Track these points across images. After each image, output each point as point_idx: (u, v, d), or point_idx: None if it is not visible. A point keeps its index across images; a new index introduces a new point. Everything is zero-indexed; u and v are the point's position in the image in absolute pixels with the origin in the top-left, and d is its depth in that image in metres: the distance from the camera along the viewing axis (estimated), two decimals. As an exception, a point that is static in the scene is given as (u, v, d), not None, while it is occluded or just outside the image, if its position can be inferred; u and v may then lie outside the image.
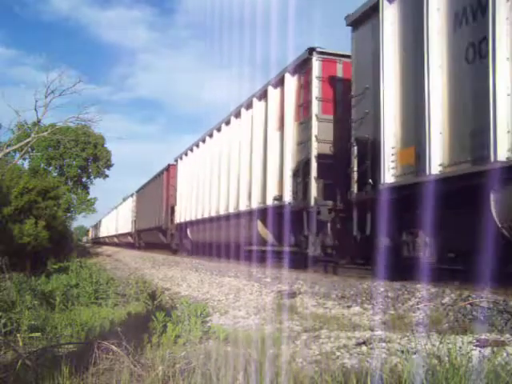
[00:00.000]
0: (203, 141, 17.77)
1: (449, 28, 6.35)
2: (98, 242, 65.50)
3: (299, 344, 3.49)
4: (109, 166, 44.73)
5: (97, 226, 73.44)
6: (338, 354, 3.18)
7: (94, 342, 3.06)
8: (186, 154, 20.65)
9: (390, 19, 7.45)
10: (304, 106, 10.47)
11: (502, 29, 5.51)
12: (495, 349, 3.08)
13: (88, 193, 46.73)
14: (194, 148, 19.34)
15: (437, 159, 6.32)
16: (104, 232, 60.51)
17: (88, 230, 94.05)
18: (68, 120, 23.82)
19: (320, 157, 9.81)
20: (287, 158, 10.86)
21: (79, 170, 43.73)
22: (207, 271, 11.15)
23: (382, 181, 7.30)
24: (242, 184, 13.47)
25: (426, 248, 6.50)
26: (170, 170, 24.01)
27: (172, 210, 22.80)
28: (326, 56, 10.23)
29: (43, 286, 6.72)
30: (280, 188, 11.15)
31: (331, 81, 10.13)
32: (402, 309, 5.09)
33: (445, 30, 6.41)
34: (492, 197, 5.51)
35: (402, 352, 2.99)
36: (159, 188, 25.68)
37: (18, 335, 3.77)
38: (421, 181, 6.43)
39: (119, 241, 44.89)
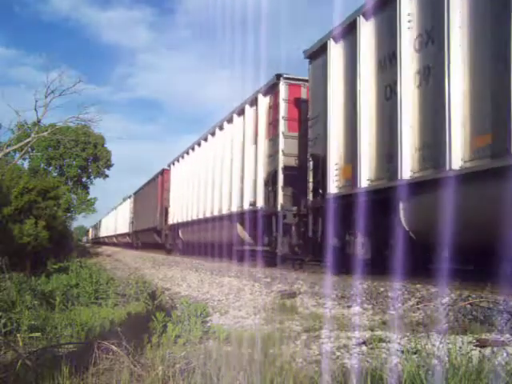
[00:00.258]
0: (193, 149, 19.48)
1: (376, 70, 7.92)
2: (97, 242, 65.57)
3: (299, 344, 3.49)
4: (109, 165, 44.79)
5: (97, 226, 73.51)
6: (338, 353, 3.18)
7: (93, 342, 3.06)
8: (178, 160, 22.38)
9: (336, 57, 8.95)
10: (273, 124, 12.22)
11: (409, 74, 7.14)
12: (495, 349, 3.08)
13: (88, 193, 46.81)
14: (185, 155, 21.00)
15: (366, 175, 7.93)
16: (104, 232, 60.92)
17: (88, 230, 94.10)
18: (68, 120, 23.86)
19: (286, 169, 11.50)
20: (260, 169, 12.62)
21: (79, 170, 43.77)
22: (207, 271, 11.16)
23: (328, 191, 8.89)
24: (224, 190, 15.15)
25: (362, 247, 7.94)
26: (163, 175, 25.43)
27: (166, 212, 23.93)
28: (291, 81, 11.84)
29: (43, 286, 6.72)
30: (254, 195, 12.77)
31: (296, 102, 11.68)
32: (401, 309, 5.09)
33: (373, 71, 7.96)
34: (401, 206, 7.04)
35: (402, 352, 2.99)
36: (154, 191, 26.90)
37: (18, 335, 3.77)
38: (351, 192, 8.21)
39: (118, 241, 45.76)
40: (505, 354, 2.95)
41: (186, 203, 19.72)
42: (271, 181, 12.04)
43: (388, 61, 7.59)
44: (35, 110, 21.78)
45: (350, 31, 8.45)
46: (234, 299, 6.61)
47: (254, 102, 13.21)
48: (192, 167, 19.55)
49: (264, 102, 12.71)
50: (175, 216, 21.67)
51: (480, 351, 3.02)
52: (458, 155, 6.19)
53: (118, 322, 4.12)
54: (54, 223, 13.71)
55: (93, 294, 6.27)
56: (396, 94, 7.25)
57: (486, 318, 4.20)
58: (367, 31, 8.06)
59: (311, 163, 9.74)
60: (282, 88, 11.75)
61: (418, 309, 4.93)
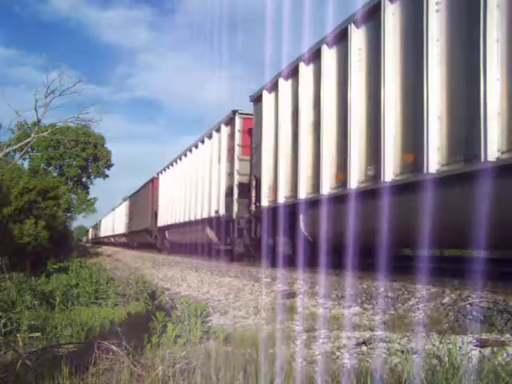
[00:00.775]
0: (176, 161, 22.85)
1: (290, 118, 10.71)
2: (97, 242, 65.71)
3: (299, 344, 3.49)
4: (109, 165, 44.82)
5: (97, 226, 73.59)
6: (338, 354, 3.18)
7: (93, 342, 3.07)
8: (165, 170, 25.57)
9: (268, 103, 11.64)
10: (231, 150, 15.10)
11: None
12: (495, 349, 3.08)
13: (88, 193, 46.84)
14: (170, 166, 24.36)
15: (283, 194, 10.81)
16: (103, 232, 61.55)
17: (88, 230, 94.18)
18: (68, 120, 23.92)
19: (240, 185, 14.21)
20: (222, 184, 15.70)
21: (79, 170, 43.79)
22: (207, 271, 11.17)
23: (262, 204, 11.61)
24: (198, 198, 18.27)
25: (283, 246, 10.49)
26: (153, 182, 28.25)
27: (156, 215, 26.43)
28: (245, 115, 14.48)
29: (43, 286, 6.72)
30: (218, 204, 15.87)
31: (248, 132, 14.10)
32: (402, 308, 5.09)
33: (288, 119, 10.76)
34: (301, 217, 9.89)
35: (402, 352, 2.99)
36: (146, 196, 29.80)
37: (18, 335, 3.77)
38: (275, 206, 10.92)
39: (115, 240, 47.64)
40: (505, 354, 2.95)
41: (172, 208, 22.76)
42: (229, 193, 14.97)
43: (295, 113, 10.27)
44: (35, 110, 21.85)
45: (275, 87, 11.28)
46: (233, 299, 6.61)
47: (218, 129, 16.52)
48: (176, 177, 22.66)
49: (225, 130, 15.86)
50: (163, 219, 24.50)
51: (480, 351, 3.02)
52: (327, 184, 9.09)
53: (118, 322, 4.12)
54: (54, 223, 13.72)
55: (93, 294, 6.27)
56: (297, 139, 10.08)
57: (485, 318, 4.20)
58: (285, 89, 10.82)
59: (254, 182, 12.63)
60: (237, 121, 14.74)
61: (418, 308, 4.93)
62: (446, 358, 2.49)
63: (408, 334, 3.65)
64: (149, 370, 2.77)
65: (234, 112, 14.65)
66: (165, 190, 24.81)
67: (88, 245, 55.06)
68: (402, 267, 7.40)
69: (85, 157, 42.02)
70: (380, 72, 7.49)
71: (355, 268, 7.30)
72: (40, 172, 31.80)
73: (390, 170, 7.30)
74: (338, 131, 8.83)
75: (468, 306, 4.63)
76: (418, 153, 6.77)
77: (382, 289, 5.66)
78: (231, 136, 15.05)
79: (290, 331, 3.98)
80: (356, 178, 8.15)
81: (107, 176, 45.44)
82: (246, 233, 13.18)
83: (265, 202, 11.50)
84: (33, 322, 4.19)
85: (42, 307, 5.33)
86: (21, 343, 3.63)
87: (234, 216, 14.02)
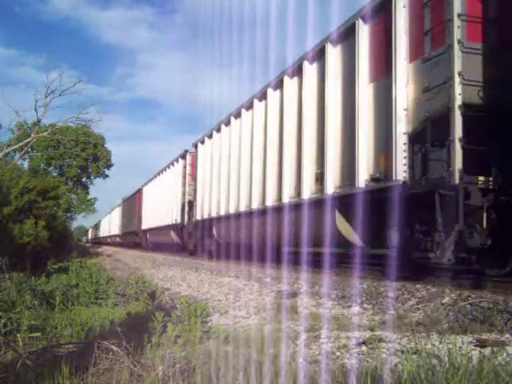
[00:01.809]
0: (156, 177, 28.42)
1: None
2: (97, 242, 65.88)
3: (299, 344, 3.49)
4: (109, 166, 44.81)
5: (97, 226, 73.69)
6: (338, 354, 3.18)
7: (93, 342, 3.06)
8: (147, 184, 31.44)
9: (202, 152, 18.60)
10: (184, 177, 18.96)
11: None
12: (495, 349, 3.08)
13: (88, 193, 46.83)
14: (150, 181, 30.68)
15: (200, 213, 18.68)
16: (102, 233, 62.67)
17: (87, 230, 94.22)
18: (68, 120, 23.89)
19: (188, 202, 15.86)
20: (179, 200, 17.15)
21: (79, 170, 43.78)
22: (207, 271, 11.16)
23: (196, 217, 10.17)
24: (166, 208, 20.48)
25: (209, 245, 17.21)
26: (140, 192, 33.02)
27: (141, 219, 31.25)
28: (193, 153, 20.61)
29: (43, 286, 6.71)
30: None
31: (194, 165, 20.21)
32: (402, 309, 5.09)
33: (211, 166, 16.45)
34: (214, 227, 15.92)
35: (402, 352, 2.99)
36: (134, 202, 34.78)
37: (18, 335, 3.77)
38: (202, 219, 16.46)
39: (111, 240, 51.47)
40: (505, 354, 2.95)
41: (151, 215, 28.09)
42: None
43: (217, 159, 16.30)
44: (35, 110, 21.83)
45: (209, 137, 17.29)
46: (233, 299, 6.61)
47: (177, 161, 22.33)
48: (153, 191, 28.58)
49: (181, 162, 21.70)
50: (145, 223, 29.89)
51: (480, 351, 3.02)
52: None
53: (118, 322, 4.12)
54: (54, 223, 13.71)
55: (93, 294, 6.27)
56: (219, 178, 16.04)
57: (485, 318, 4.20)
58: (214, 140, 16.84)
59: (194, 201, 18.07)
60: (188, 157, 20.82)
61: (418, 308, 4.93)
62: (446, 358, 2.49)
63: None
64: (149, 369, 2.77)
65: (186, 151, 20.95)
66: (147, 199, 30.43)
67: (88, 245, 55.14)
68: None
69: (85, 157, 42.00)
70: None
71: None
72: (40, 172, 31.79)
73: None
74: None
75: (468, 305, 4.63)
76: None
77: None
78: (184, 167, 21.15)
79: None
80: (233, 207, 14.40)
81: (107, 176, 45.46)
82: (193, 235, 19.06)
83: (198, 216, 17.71)
84: (33, 322, 4.18)
85: (41, 307, 5.32)
86: (21, 343, 3.63)
87: (185, 223, 20.19)
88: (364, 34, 8.31)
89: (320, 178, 9.49)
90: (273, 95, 12.05)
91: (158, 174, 27.08)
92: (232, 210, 14.20)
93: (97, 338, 3.44)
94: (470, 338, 3.38)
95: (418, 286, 5.89)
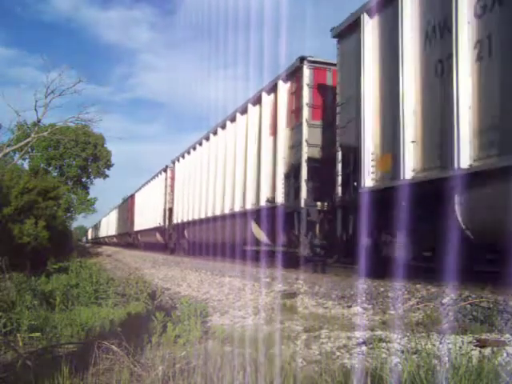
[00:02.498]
0: (143, 186, 28.19)
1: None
2: (97, 242, 65.98)
3: (299, 344, 3.49)
4: (109, 166, 44.77)
5: (97, 227, 73.74)
6: (338, 354, 3.18)
7: (93, 342, 3.07)
8: (138, 191, 33.92)
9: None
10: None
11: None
12: (495, 349, 3.08)
13: (88, 193, 46.82)
14: (141, 189, 32.16)
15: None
16: (102, 233, 63.12)
17: (87, 230, 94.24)
18: (68, 120, 23.86)
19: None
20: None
21: (79, 170, 43.75)
22: (207, 271, 11.16)
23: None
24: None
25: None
26: (132, 198, 37.02)
27: (133, 222, 34.98)
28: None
29: (43, 286, 6.71)
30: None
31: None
32: (401, 309, 5.09)
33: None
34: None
35: (402, 352, 2.99)
36: (127, 207, 39.01)
37: (18, 335, 3.77)
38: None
39: (109, 241, 54.95)
40: (505, 354, 2.95)
41: (142, 218, 30.61)
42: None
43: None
44: (35, 109, 21.79)
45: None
46: (234, 299, 6.61)
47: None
48: (145, 197, 30.67)
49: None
50: (137, 225, 33.14)
51: (480, 351, 3.02)
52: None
53: (117, 322, 4.12)
54: (54, 223, 13.72)
55: (93, 294, 6.26)
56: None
57: (485, 318, 4.20)
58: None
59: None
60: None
61: (418, 309, 4.93)
62: (446, 358, 2.49)
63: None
64: (149, 370, 2.77)
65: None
66: (138, 204, 34.08)
67: (88, 245, 55.18)
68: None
69: (85, 157, 41.97)
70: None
71: None
72: (40, 172, 31.77)
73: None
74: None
75: (468, 305, 4.63)
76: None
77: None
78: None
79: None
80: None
81: (107, 176, 45.44)
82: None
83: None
84: (33, 322, 4.19)
85: (41, 307, 5.32)
86: (21, 343, 3.63)
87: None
88: (255, 112, 13.37)
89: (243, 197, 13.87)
90: (229, 127, 15.42)
91: (147, 183, 30.35)
92: (200, 216, 17.83)
93: (97, 338, 3.44)
94: (470, 338, 3.38)
95: (417, 286, 5.89)
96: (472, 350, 3.03)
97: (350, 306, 5.48)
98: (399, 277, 6.21)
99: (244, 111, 14.09)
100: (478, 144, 5.98)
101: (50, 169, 40.86)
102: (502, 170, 5.45)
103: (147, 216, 28.78)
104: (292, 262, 10.60)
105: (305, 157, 10.48)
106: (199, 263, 14.05)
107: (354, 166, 8.37)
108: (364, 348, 3.30)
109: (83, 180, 45.45)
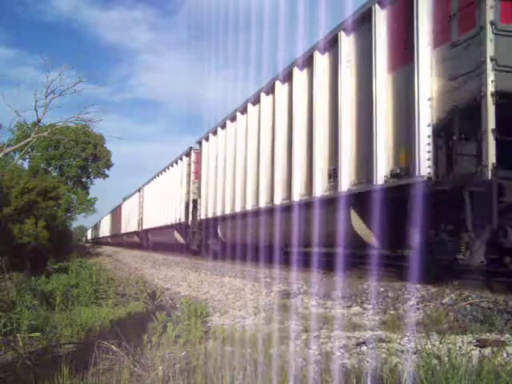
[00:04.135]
0: (132, 195, 28.51)
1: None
2: (97, 242, 66.13)
3: (299, 344, 3.49)
4: (109, 166, 44.79)
5: (96, 227, 73.79)
6: (338, 354, 3.18)
7: (93, 342, 3.07)
8: (126, 199, 42.14)
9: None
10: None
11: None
12: (495, 349, 3.08)
13: (88, 193, 46.82)
14: (130, 198, 40.01)
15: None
16: (101, 233, 63.81)
17: (87, 230, 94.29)
18: (68, 120, 23.84)
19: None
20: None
21: (79, 170, 43.75)
22: (207, 271, 11.16)
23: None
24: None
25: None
26: (120, 206, 43.92)
27: (120, 227, 41.52)
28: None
29: (43, 286, 6.71)
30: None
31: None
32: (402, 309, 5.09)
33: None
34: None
35: (402, 352, 2.99)
36: (116, 214, 45.14)
37: (18, 335, 3.77)
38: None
39: (105, 240, 58.88)
40: (505, 354, 2.95)
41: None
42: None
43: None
44: (35, 109, 21.77)
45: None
46: (233, 299, 6.61)
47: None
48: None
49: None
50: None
51: (480, 351, 3.02)
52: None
53: (117, 322, 4.12)
54: (54, 223, 13.72)
55: (93, 294, 6.26)
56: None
57: (486, 318, 4.20)
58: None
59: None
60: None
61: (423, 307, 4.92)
62: (446, 358, 2.48)
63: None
64: (149, 370, 2.77)
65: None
66: (124, 212, 39.61)
67: (88, 245, 55.25)
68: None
69: (85, 157, 41.98)
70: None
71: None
72: (40, 172, 31.78)
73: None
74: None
75: (468, 305, 4.63)
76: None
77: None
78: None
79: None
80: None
81: (107, 176, 45.46)
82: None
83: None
84: (33, 322, 4.19)
85: (42, 307, 5.32)
86: (21, 343, 3.63)
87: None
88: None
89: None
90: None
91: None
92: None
93: (97, 338, 3.44)
94: (470, 338, 3.38)
95: (417, 286, 5.88)
96: (472, 349, 3.03)
97: None
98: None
99: (171, 165, 23.22)
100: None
101: (50, 169, 40.85)
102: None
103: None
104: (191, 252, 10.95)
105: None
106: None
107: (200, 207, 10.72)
108: (364, 348, 3.30)
109: (83, 180, 45.46)
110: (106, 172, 45.19)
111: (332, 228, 8.59)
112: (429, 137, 6.62)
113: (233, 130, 14.82)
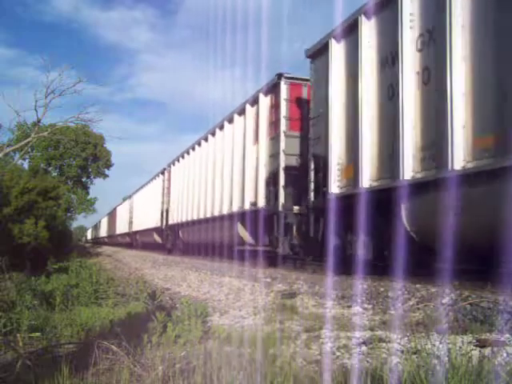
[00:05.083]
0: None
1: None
2: (97, 242, 66.18)
3: (299, 344, 3.49)
4: (109, 166, 44.82)
5: (96, 227, 73.85)
6: (338, 354, 3.18)
7: (93, 342, 3.07)
8: (120, 204, 42.79)
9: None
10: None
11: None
12: (495, 349, 3.08)
13: (88, 193, 46.86)
14: (123, 203, 42.52)
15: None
16: (101, 233, 63.99)
17: (87, 230, 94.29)
18: (68, 120, 23.85)
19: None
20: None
21: (79, 170, 43.78)
22: (207, 271, 11.16)
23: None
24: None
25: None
26: (114, 210, 47.83)
27: (115, 228, 45.66)
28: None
29: (43, 286, 6.72)
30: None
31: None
32: (402, 309, 5.09)
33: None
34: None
35: (402, 352, 2.99)
36: (113, 216, 48.82)
37: (18, 335, 3.77)
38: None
39: (103, 241, 61.85)
40: (505, 354, 2.95)
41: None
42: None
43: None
44: (35, 109, 21.77)
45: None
46: (234, 299, 6.61)
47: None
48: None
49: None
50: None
51: (480, 351, 3.02)
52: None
53: (117, 322, 4.12)
54: (54, 223, 13.73)
55: (93, 294, 6.27)
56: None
57: (486, 318, 4.20)
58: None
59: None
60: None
61: (418, 309, 4.93)
62: (446, 358, 2.48)
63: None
64: (149, 370, 2.77)
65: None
66: (119, 217, 43.74)
67: (88, 245, 55.25)
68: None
69: (85, 157, 42.00)
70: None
71: None
72: (40, 172, 31.78)
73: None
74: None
75: (468, 305, 4.63)
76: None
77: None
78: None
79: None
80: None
81: (107, 176, 45.49)
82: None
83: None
84: (33, 322, 4.19)
85: (42, 307, 5.32)
86: (21, 343, 3.63)
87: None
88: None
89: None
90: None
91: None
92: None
93: (97, 337, 3.44)
94: (470, 338, 3.38)
95: (417, 285, 5.88)
96: (472, 349, 3.03)
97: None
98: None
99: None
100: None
101: (50, 169, 40.87)
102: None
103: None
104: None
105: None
106: (196, 262, 14.22)
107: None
108: (364, 348, 3.30)
109: (83, 180, 45.50)
110: (106, 172, 45.27)
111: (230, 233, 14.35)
112: (264, 185, 12.43)
113: (192, 158, 20.07)
